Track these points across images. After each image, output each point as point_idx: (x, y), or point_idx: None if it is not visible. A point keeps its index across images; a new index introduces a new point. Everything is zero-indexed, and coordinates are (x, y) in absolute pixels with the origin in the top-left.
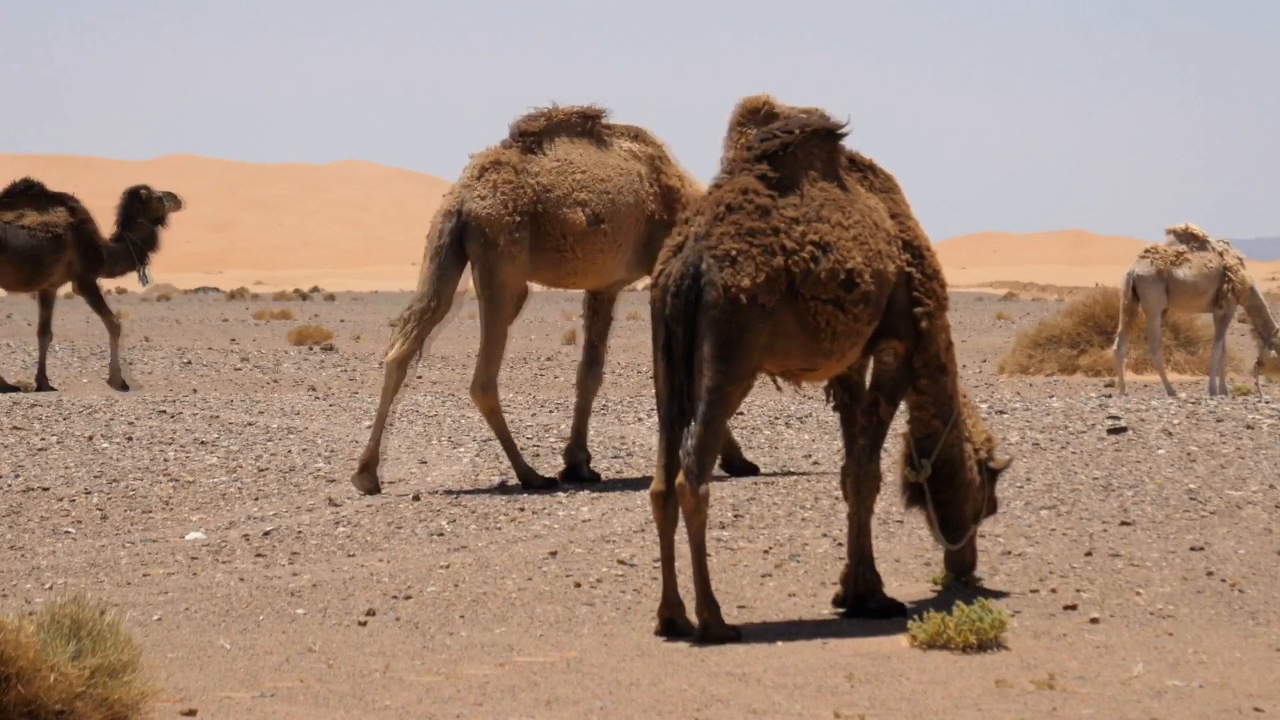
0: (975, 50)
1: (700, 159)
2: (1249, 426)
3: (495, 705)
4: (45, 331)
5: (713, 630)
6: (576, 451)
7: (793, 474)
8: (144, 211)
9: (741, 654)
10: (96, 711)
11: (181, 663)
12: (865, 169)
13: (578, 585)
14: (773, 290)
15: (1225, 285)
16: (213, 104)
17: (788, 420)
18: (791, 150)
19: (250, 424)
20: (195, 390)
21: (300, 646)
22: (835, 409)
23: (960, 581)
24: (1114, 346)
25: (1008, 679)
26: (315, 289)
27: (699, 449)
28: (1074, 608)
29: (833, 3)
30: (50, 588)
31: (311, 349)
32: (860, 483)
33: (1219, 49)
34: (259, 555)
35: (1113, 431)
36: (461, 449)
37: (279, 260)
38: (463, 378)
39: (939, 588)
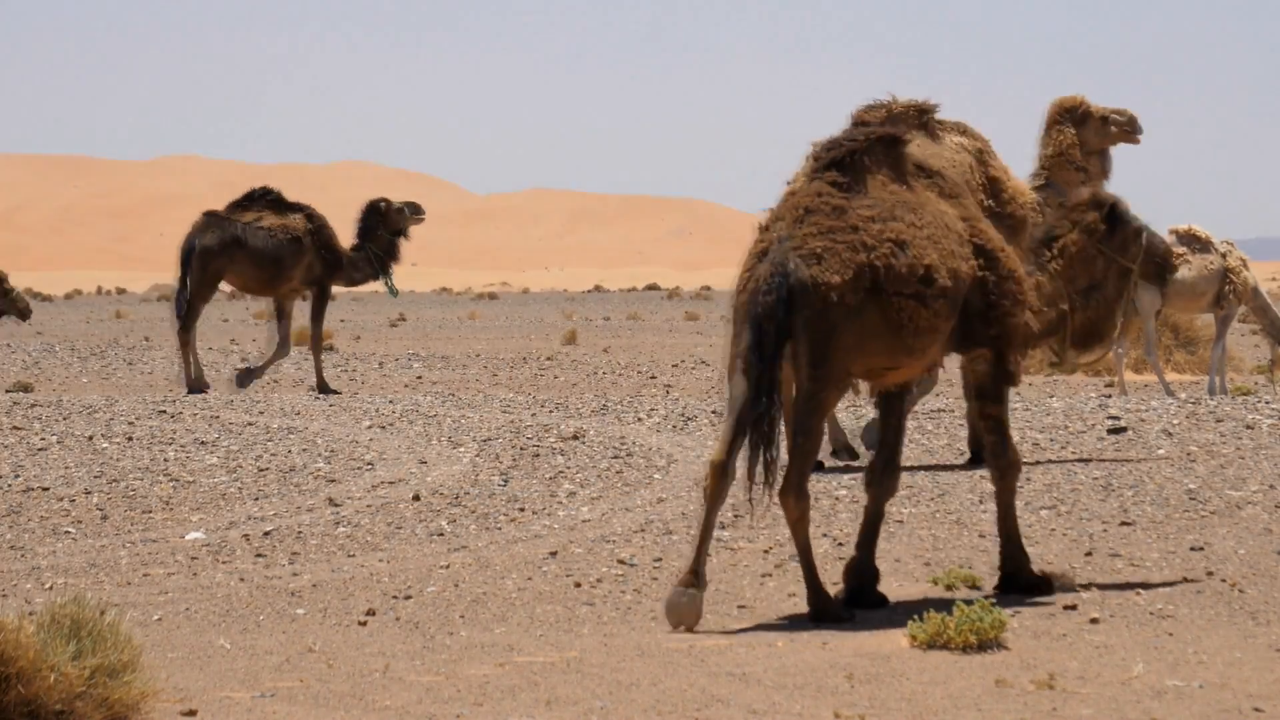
0: (975, 50)
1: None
2: (1249, 426)
3: (495, 705)
4: (284, 345)
5: (827, 614)
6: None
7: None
8: (383, 223)
9: (741, 654)
10: (96, 711)
11: (181, 663)
12: (934, 174)
13: (578, 585)
14: (858, 286)
15: (1227, 287)
16: (213, 104)
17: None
18: (859, 157)
19: (250, 424)
20: None
21: (300, 646)
22: (875, 405)
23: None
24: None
25: (1008, 679)
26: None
27: (799, 457)
28: (1074, 608)
29: (831, 3)
30: (50, 588)
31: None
32: (1002, 470)
33: (1219, 48)
34: (259, 555)
35: (1113, 431)
36: (461, 449)
37: None
38: (462, 378)
39: (939, 587)
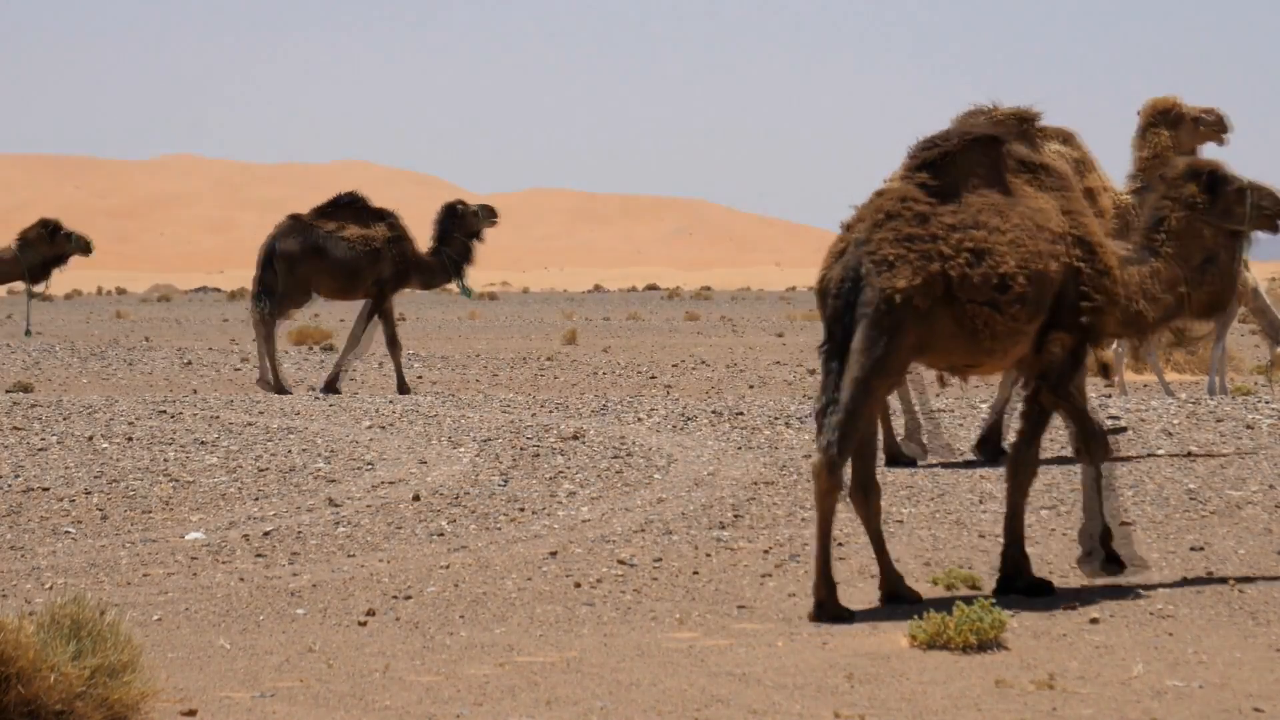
0: (975, 49)
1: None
2: (1249, 426)
3: (495, 705)
4: (394, 342)
5: (827, 610)
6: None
7: (793, 474)
8: (460, 226)
9: (741, 654)
10: (96, 711)
11: (181, 663)
12: (1037, 169)
13: (578, 585)
14: (928, 294)
15: None
16: (213, 104)
17: (787, 420)
18: (952, 158)
19: (250, 424)
20: (195, 390)
21: (300, 646)
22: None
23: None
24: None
25: (1008, 679)
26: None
27: (840, 435)
28: (1074, 608)
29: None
30: (50, 588)
31: (311, 349)
32: (1017, 467)
33: (1218, 48)
34: (259, 555)
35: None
36: (461, 449)
37: None
38: (462, 378)
39: (939, 587)
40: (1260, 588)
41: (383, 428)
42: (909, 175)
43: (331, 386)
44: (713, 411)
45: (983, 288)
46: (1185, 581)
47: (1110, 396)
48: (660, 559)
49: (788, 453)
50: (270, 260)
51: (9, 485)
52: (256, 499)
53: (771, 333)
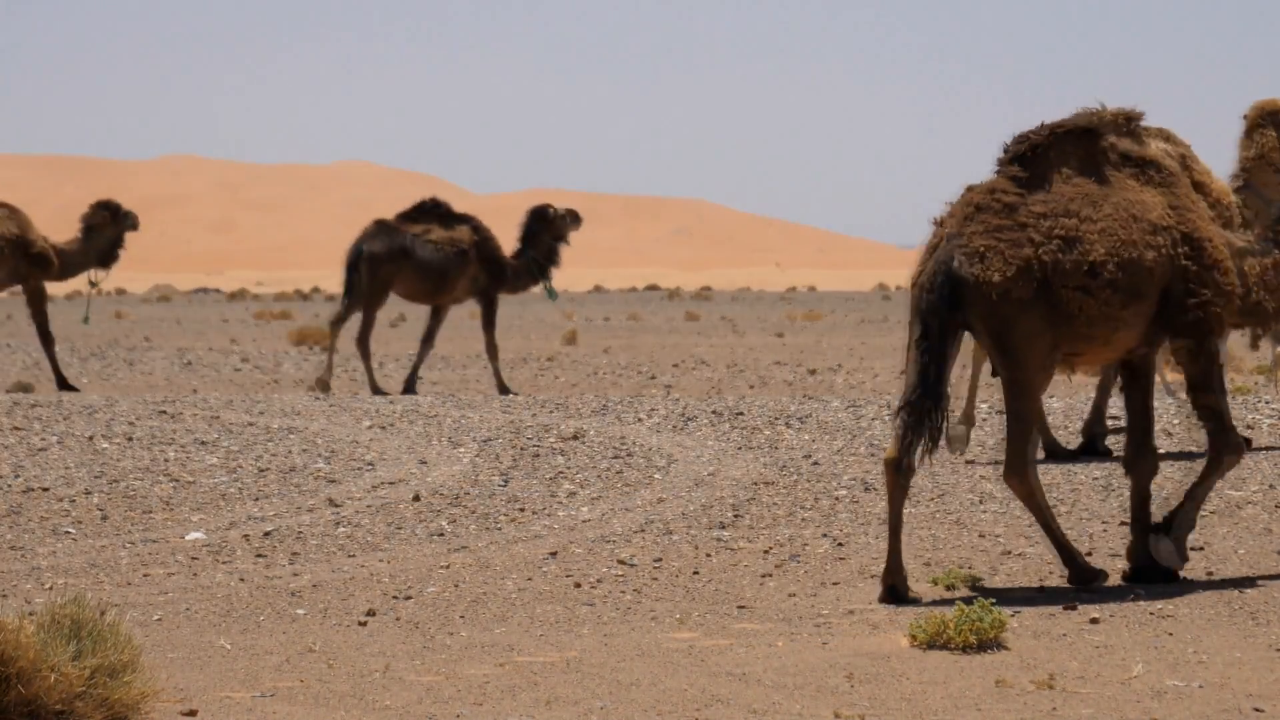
0: (975, 49)
1: None
2: (1249, 426)
3: (495, 705)
4: (429, 340)
5: (1083, 576)
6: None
7: (793, 474)
8: (548, 229)
9: (741, 654)
10: (96, 711)
11: (181, 663)
12: (1143, 164)
13: (578, 585)
14: (1024, 281)
15: None
16: (213, 104)
17: (788, 420)
18: (1042, 151)
19: (250, 424)
20: (195, 390)
21: (300, 646)
22: (1121, 389)
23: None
24: None
25: (1008, 679)
26: (316, 289)
27: (1015, 439)
28: (1074, 608)
29: (827, 4)
30: (50, 588)
31: (312, 349)
32: (1221, 456)
33: (1218, 47)
34: (259, 555)
35: (1113, 431)
36: (461, 449)
37: (279, 260)
38: (462, 378)
39: (939, 587)
40: (1260, 588)
41: (383, 428)
42: (1000, 169)
43: (503, 389)
44: (713, 411)
45: (1073, 273)
46: (1185, 581)
47: (1110, 397)
48: (660, 559)
49: (788, 453)
50: (356, 263)
51: (9, 485)
52: (257, 499)
53: (771, 333)
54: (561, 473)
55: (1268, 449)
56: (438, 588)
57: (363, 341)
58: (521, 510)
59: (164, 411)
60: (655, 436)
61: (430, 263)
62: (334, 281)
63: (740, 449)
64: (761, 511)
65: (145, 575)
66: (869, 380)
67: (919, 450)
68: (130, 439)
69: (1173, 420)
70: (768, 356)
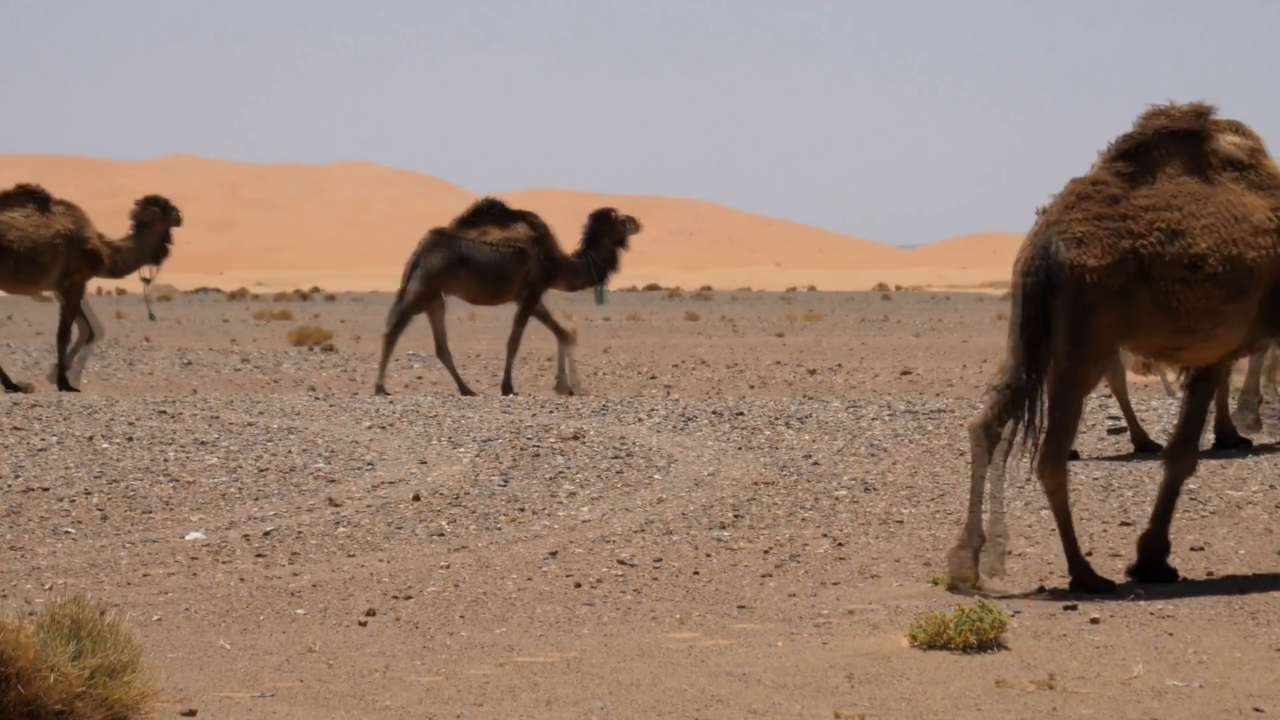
0: (975, 49)
1: None
2: (1250, 426)
3: (495, 705)
4: (515, 344)
5: (1086, 583)
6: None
7: (793, 474)
8: (609, 233)
9: (741, 654)
10: (96, 711)
11: (181, 663)
12: (1247, 168)
13: (578, 585)
14: (1120, 271)
15: None
16: (213, 104)
17: (788, 420)
18: (1147, 149)
19: (250, 424)
20: (195, 390)
21: (300, 646)
22: (1183, 387)
23: None
24: None
25: (1008, 679)
26: (316, 289)
27: (1055, 431)
28: (1074, 608)
29: (827, 4)
30: (50, 588)
31: (312, 349)
32: (1177, 459)
33: (1219, 48)
34: (259, 555)
35: (1113, 432)
36: (461, 449)
37: (279, 260)
38: (463, 378)
39: (939, 588)
40: (1260, 588)
41: (383, 428)
42: (1106, 165)
43: (507, 387)
44: (713, 411)
45: (1174, 265)
46: (1185, 582)
47: (1110, 397)
48: (660, 559)
49: (788, 453)
50: (413, 274)
51: (9, 485)
52: (257, 499)
53: (771, 333)
54: (561, 473)
55: (1269, 450)
56: (438, 588)
57: (441, 350)
58: (521, 510)
59: (164, 411)
60: (655, 436)
61: (488, 266)
62: (335, 281)
63: (740, 449)
64: (761, 511)
65: (145, 575)
66: (869, 380)
67: (1013, 431)
68: (130, 439)
69: (1173, 420)
70: (768, 356)
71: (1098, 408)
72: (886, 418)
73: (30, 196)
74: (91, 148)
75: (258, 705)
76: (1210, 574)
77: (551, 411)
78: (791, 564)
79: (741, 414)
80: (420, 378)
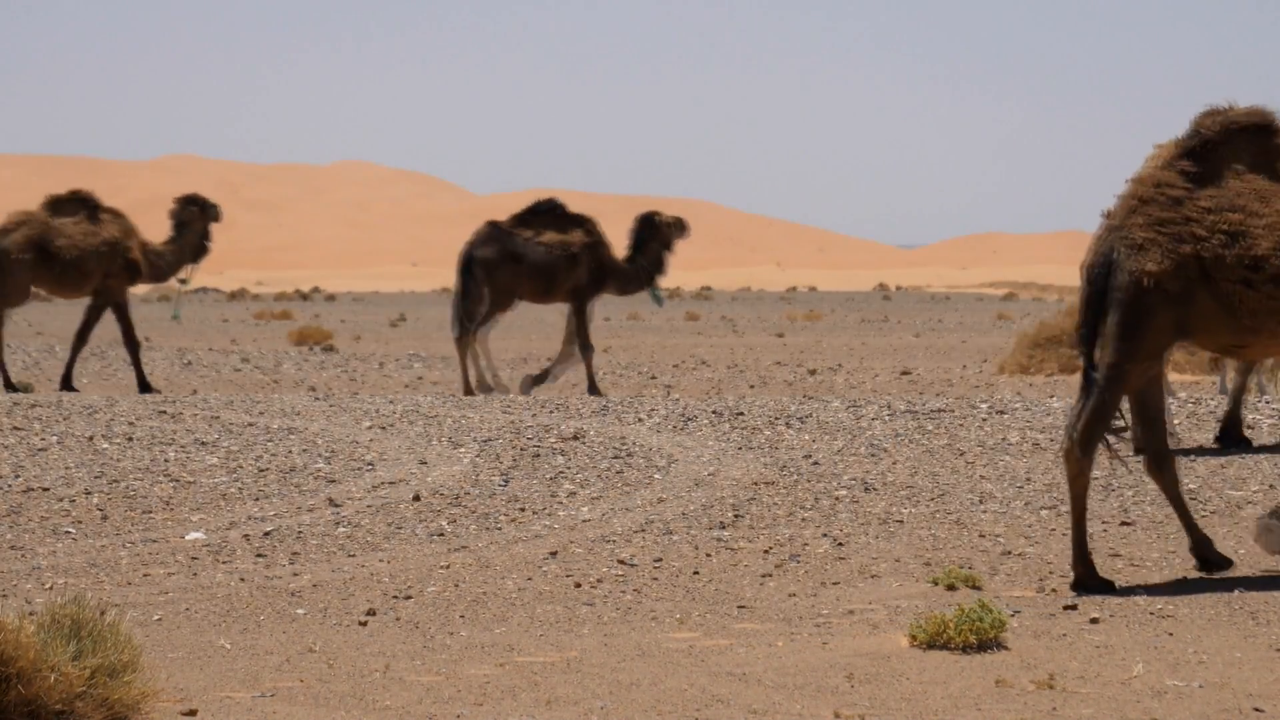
0: (975, 49)
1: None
2: (1249, 426)
3: (495, 705)
4: (587, 346)
5: (1087, 584)
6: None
7: (793, 474)
8: (656, 236)
9: (741, 654)
10: (96, 711)
11: (181, 663)
12: None
13: (578, 585)
14: (1180, 276)
15: None
16: (213, 104)
17: (788, 420)
18: (1213, 145)
19: (250, 424)
20: (195, 391)
21: (300, 646)
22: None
23: None
24: None
25: (1008, 679)
26: (316, 289)
27: (1090, 418)
28: (1074, 608)
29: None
30: (50, 588)
31: (312, 349)
32: None
33: (1218, 47)
34: (259, 555)
35: (1113, 432)
36: (461, 449)
37: (279, 260)
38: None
39: (939, 588)
40: (1260, 588)
41: (383, 428)
42: (1170, 163)
43: (593, 389)
44: (713, 411)
45: (1236, 267)
46: (1185, 581)
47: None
48: (660, 559)
49: (788, 453)
50: (469, 268)
51: (9, 485)
52: (257, 499)
53: (771, 333)
54: (561, 473)
55: (1269, 449)
56: (438, 588)
57: (480, 343)
58: (521, 510)
59: (164, 411)
60: (655, 436)
61: (540, 265)
62: (335, 281)
63: (740, 449)
64: (761, 511)
65: (145, 575)
66: (869, 380)
67: (1084, 438)
68: (130, 439)
69: (1173, 420)
70: (768, 356)
71: None
72: (886, 418)
73: (82, 203)
74: (91, 148)
75: (258, 705)
76: (1210, 574)
77: (552, 411)
78: (791, 564)
79: (741, 414)
80: (420, 378)
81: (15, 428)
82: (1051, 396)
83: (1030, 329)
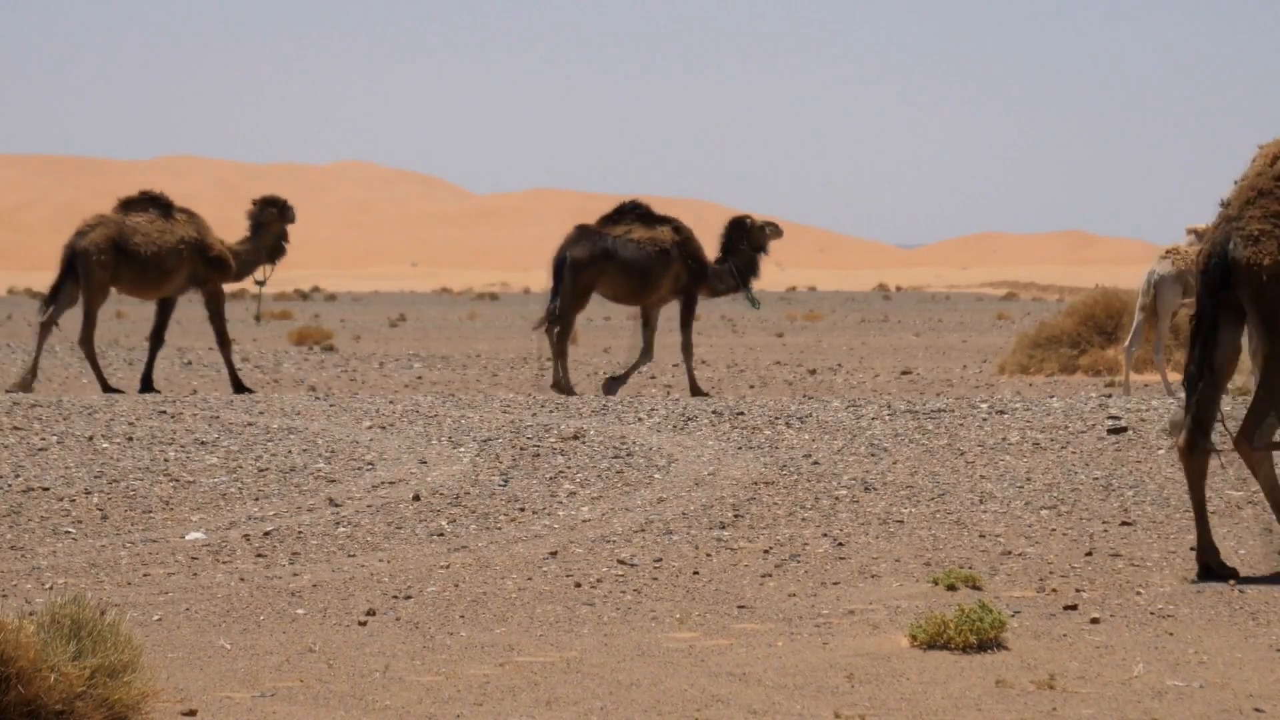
0: (975, 49)
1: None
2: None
3: (495, 705)
4: (688, 346)
5: (1214, 572)
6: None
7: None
8: (746, 239)
9: (741, 654)
10: (96, 711)
11: (181, 663)
12: None
13: (578, 585)
14: None
15: None
16: (213, 104)
17: (788, 420)
18: None
19: (250, 424)
20: (195, 390)
21: (300, 646)
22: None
23: None
24: (1126, 344)
25: (1008, 679)
26: (316, 289)
27: (1253, 412)
28: (1074, 608)
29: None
30: (50, 588)
31: (312, 349)
32: None
33: (1219, 47)
34: (259, 555)
35: (1113, 431)
36: (461, 449)
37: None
38: (463, 378)
39: (939, 588)
40: (1260, 588)
41: (383, 428)
42: None
43: (696, 390)
44: (713, 411)
45: None
46: (1185, 582)
47: (1110, 396)
48: (660, 559)
49: (788, 453)
50: (561, 268)
51: (9, 485)
52: (257, 499)
53: (771, 333)
54: (561, 473)
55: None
56: (438, 588)
57: (562, 336)
58: (521, 510)
59: (164, 411)
60: (655, 436)
61: (634, 263)
62: (335, 281)
63: (740, 449)
64: (761, 511)
65: (145, 575)
66: (869, 380)
67: (1249, 429)
68: (130, 439)
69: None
70: (768, 356)
71: (1098, 407)
72: (886, 418)
73: (153, 203)
74: (91, 148)
75: (258, 705)
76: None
77: (551, 411)
78: (791, 564)
79: (741, 414)
80: (420, 377)
81: (15, 428)
82: (1051, 396)
83: (1030, 329)
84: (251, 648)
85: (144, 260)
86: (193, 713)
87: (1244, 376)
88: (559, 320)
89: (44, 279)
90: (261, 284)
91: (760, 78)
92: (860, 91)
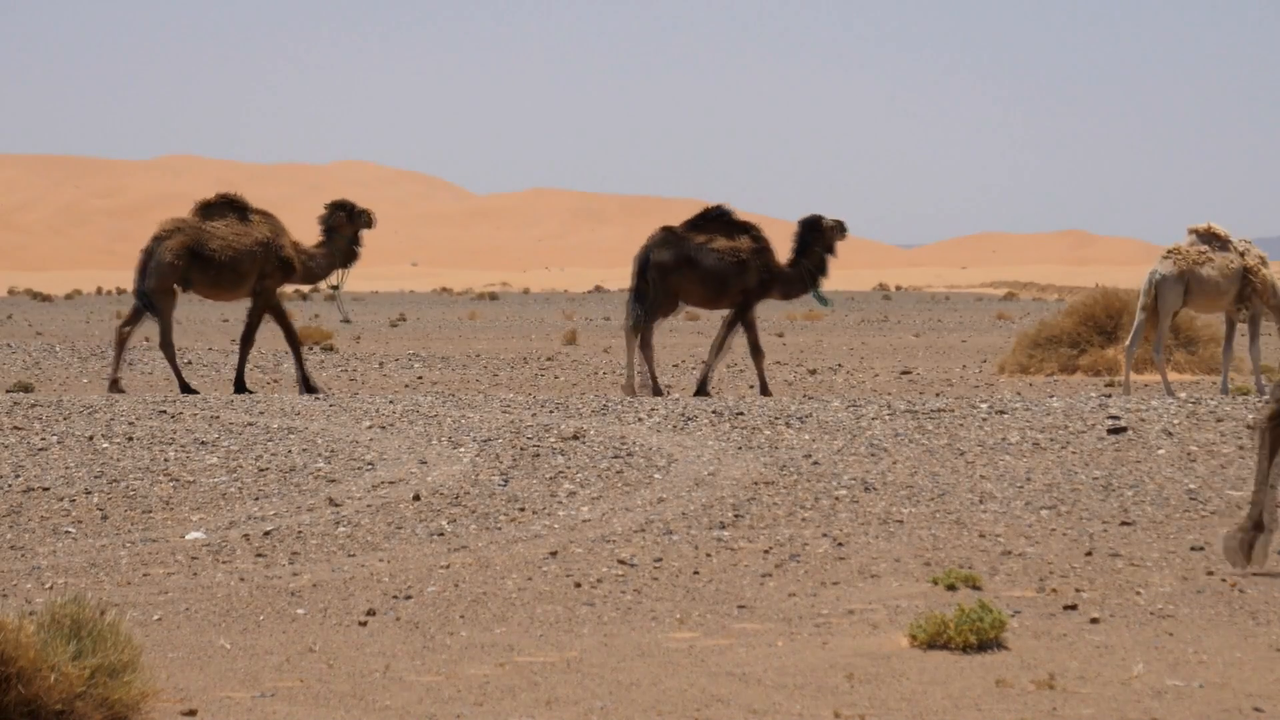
0: (976, 49)
1: None
2: (1249, 426)
3: (495, 705)
4: (757, 350)
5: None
6: None
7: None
8: (819, 240)
9: (741, 654)
10: (96, 711)
11: (181, 663)
12: None
13: (578, 585)
14: None
15: (1248, 286)
16: (213, 104)
17: (788, 420)
18: None
19: (250, 424)
20: (196, 390)
21: (300, 646)
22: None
23: None
24: (1127, 344)
25: (1008, 679)
26: (315, 289)
27: None
28: (1074, 608)
29: (827, 4)
30: (50, 588)
31: (312, 349)
32: None
33: (1219, 47)
34: (259, 555)
35: (1113, 431)
36: (461, 449)
37: None
38: (463, 378)
39: (939, 588)
40: (1260, 588)
41: (383, 428)
42: None
43: (702, 389)
44: (713, 411)
45: None
46: (1185, 581)
47: (1110, 396)
48: (660, 559)
49: (788, 453)
50: (644, 270)
51: (9, 485)
52: (257, 499)
53: (772, 333)
54: (561, 473)
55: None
56: (438, 588)
57: (637, 334)
58: (521, 510)
59: (164, 411)
60: (655, 436)
61: (712, 271)
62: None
63: (740, 449)
64: (761, 511)
65: (145, 575)
66: (869, 380)
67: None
68: (130, 439)
69: (1173, 420)
70: (768, 356)
71: (1097, 407)
72: (886, 418)
73: (230, 206)
74: (91, 148)
75: (258, 705)
76: (1210, 574)
77: (551, 411)
78: (791, 564)
79: (741, 414)
80: (420, 377)
81: (15, 428)
82: (1051, 396)
83: (1030, 329)
84: (251, 648)
85: (220, 265)
86: (193, 712)
87: (1244, 377)
88: (642, 322)
89: (44, 279)
90: (336, 289)
91: (760, 78)
92: (861, 91)
